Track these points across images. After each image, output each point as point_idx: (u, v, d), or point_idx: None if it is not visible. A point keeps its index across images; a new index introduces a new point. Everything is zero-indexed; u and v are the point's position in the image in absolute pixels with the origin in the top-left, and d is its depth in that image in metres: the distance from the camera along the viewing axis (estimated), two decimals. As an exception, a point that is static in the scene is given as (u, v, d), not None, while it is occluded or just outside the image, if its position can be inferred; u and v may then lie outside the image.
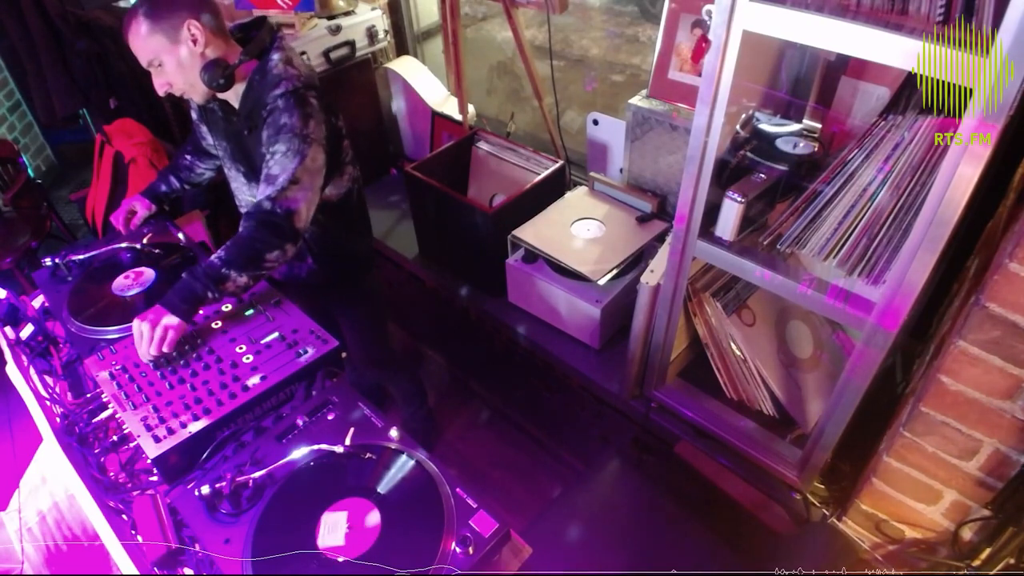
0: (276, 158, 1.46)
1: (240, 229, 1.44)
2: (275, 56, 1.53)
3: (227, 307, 1.46)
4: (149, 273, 1.64)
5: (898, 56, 1.00)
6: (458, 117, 2.64)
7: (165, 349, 1.35)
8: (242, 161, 1.67)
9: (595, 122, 2.24)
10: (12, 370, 1.48)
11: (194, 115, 1.78)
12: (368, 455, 1.17)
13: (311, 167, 1.48)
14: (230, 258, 1.41)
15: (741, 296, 1.72)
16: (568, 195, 2.27)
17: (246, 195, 1.75)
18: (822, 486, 1.61)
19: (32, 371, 1.43)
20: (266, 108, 1.50)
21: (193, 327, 1.43)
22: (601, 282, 1.95)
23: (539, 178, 2.23)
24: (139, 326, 1.35)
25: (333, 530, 1.07)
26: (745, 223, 1.41)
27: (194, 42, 1.45)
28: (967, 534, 1.30)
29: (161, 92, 1.52)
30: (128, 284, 1.60)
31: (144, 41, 1.43)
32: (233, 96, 1.57)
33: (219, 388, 1.27)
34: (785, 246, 1.31)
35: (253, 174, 1.67)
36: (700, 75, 1.57)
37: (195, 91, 1.53)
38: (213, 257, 1.41)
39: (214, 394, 1.26)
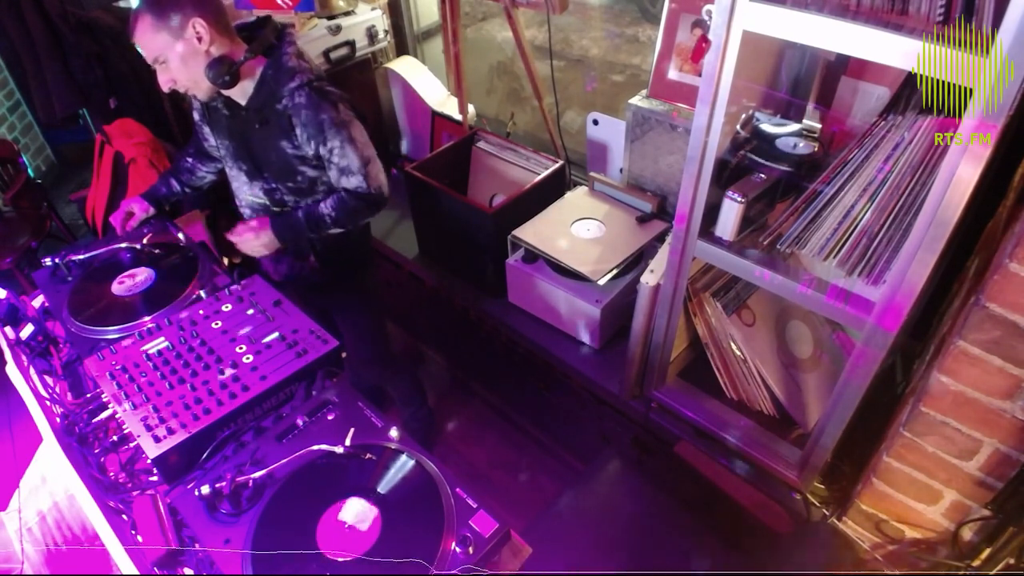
0: (336, 152, 1.59)
1: (343, 197, 1.65)
2: (288, 50, 1.56)
3: (227, 307, 1.46)
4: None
5: (898, 56, 1.00)
6: (458, 117, 2.64)
7: (264, 252, 1.67)
8: (245, 159, 1.67)
9: (595, 122, 2.24)
10: (12, 370, 1.47)
11: (196, 116, 1.78)
12: (368, 455, 1.17)
13: (365, 140, 1.63)
14: (338, 217, 1.65)
15: (741, 296, 1.72)
16: (568, 195, 2.27)
17: (247, 194, 1.75)
18: (822, 486, 1.61)
19: (32, 371, 1.42)
20: (280, 102, 1.52)
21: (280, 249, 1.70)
22: (601, 282, 1.95)
23: (539, 178, 2.22)
24: (245, 232, 1.64)
25: (361, 521, 1.09)
26: (745, 223, 1.41)
27: (199, 40, 1.46)
28: (967, 534, 1.30)
29: (165, 88, 1.54)
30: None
31: (149, 38, 1.45)
32: (239, 93, 1.58)
33: (219, 388, 1.27)
34: (785, 246, 1.31)
35: (257, 172, 1.68)
36: (700, 75, 1.57)
37: (199, 88, 1.54)
38: (324, 214, 1.64)
39: (214, 394, 1.25)
